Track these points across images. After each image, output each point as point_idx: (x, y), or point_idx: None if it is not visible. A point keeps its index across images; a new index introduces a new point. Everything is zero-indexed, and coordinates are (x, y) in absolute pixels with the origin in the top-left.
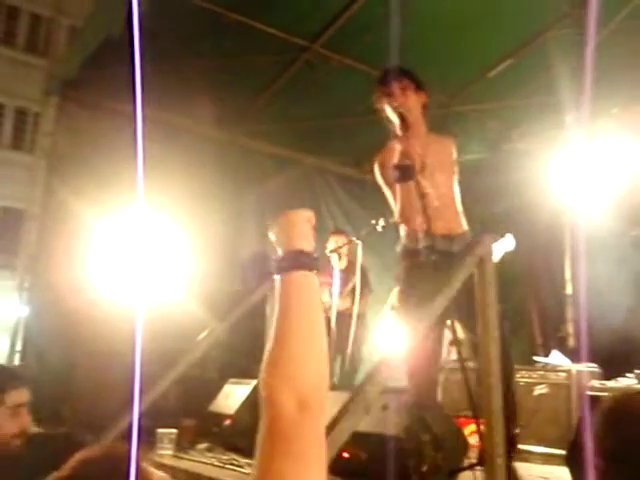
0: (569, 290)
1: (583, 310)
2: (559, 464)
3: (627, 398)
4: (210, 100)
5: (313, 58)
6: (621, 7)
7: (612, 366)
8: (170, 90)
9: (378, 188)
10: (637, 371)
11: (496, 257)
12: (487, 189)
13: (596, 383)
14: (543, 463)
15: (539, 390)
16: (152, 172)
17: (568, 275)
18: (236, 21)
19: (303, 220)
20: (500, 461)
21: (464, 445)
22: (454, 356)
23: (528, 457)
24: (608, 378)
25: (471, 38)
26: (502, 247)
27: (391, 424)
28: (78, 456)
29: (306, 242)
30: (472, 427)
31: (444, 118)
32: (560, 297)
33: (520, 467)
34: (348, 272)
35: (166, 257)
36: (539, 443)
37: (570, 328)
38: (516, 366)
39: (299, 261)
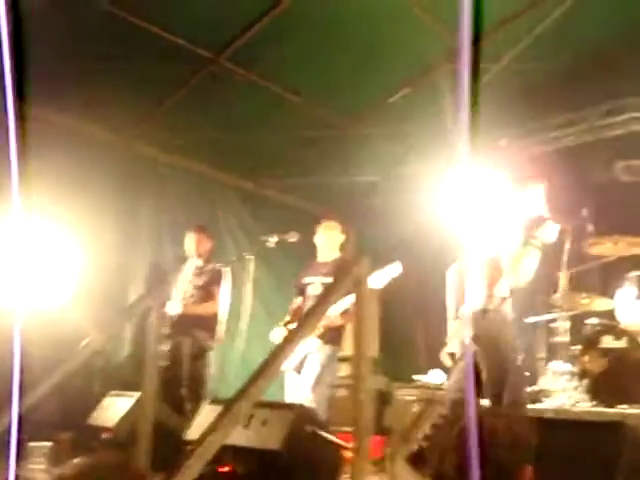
0: (451, 311)
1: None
2: None
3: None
4: (108, 104)
5: (217, 71)
6: (509, 47)
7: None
8: (68, 91)
9: (276, 204)
10: None
11: (382, 283)
12: (382, 211)
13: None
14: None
15: (417, 408)
16: (42, 176)
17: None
18: (141, 27)
19: None
20: (364, 473)
21: (338, 460)
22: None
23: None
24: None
25: (375, 65)
26: (388, 274)
27: (271, 439)
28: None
29: None
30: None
31: (342, 141)
32: (445, 317)
33: None
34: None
35: (52, 264)
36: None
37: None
38: (397, 384)
39: None
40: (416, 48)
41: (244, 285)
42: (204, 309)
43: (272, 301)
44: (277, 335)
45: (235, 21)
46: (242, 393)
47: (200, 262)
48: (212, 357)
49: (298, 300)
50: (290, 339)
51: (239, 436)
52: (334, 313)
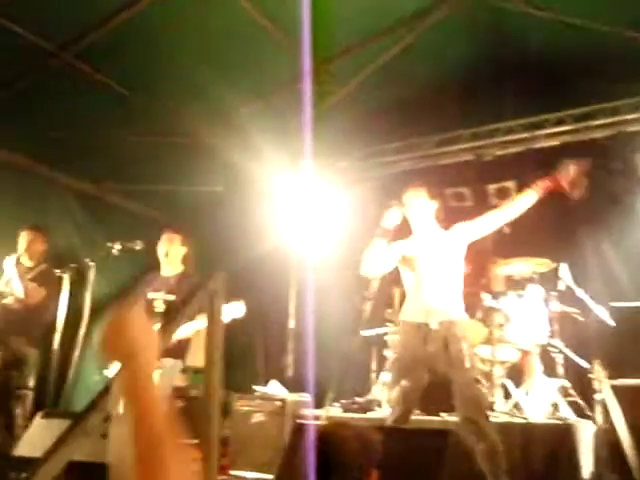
0: (292, 324)
1: (309, 343)
2: None
3: (331, 428)
4: None
5: (62, 66)
6: (358, 71)
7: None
8: None
9: (120, 210)
10: (343, 401)
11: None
12: (225, 221)
13: (307, 412)
14: None
15: (256, 418)
16: None
17: (292, 309)
18: None
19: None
20: None
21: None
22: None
23: None
24: (319, 407)
25: (227, 77)
26: (231, 312)
27: (109, 453)
28: None
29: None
30: (194, 454)
31: (189, 149)
32: (284, 330)
33: None
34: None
35: None
36: (251, 468)
37: (290, 359)
38: (237, 394)
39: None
40: (270, 65)
41: (82, 293)
42: (27, 311)
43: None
44: None
45: (86, 17)
46: (93, 405)
47: (30, 263)
48: (33, 366)
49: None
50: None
51: (86, 451)
52: (186, 332)
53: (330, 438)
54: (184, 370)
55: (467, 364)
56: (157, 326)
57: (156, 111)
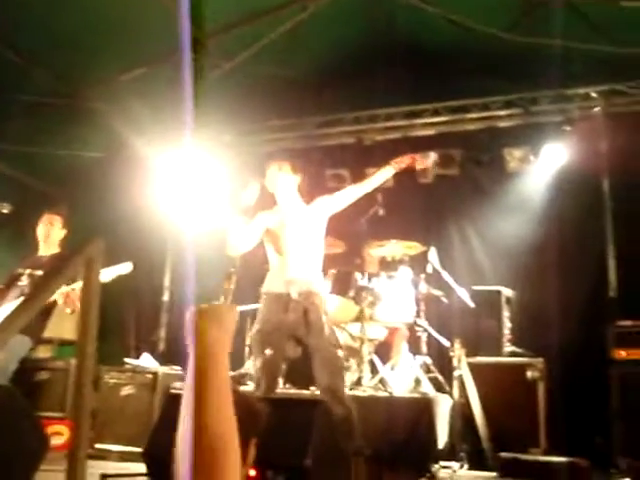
0: (165, 297)
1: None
2: (136, 460)
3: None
4: None
5: None
6: (243, 49)
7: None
8: None
9: None
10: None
11: (109, 277)
12: (104, 189)
13: (179, 384)
14: (120, 460)
15: (126, 390)
16: None
17: (167, 282)
18: None
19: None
20: (83, 461)
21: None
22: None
23: (107, 455)
24: None
25: (114, 40)
26: (116, 270)
27: None
28: None
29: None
30: (57, 427)
31: (68, 112)
32: (157, 304)
33: (97, 465)
34: None
35: None
36: (118, 442)
37: (163, 332)
38: (106, 367)
39: None
40: (159, 32)
41: None
42: None
43: None
44: None
45: None
46: None
47: None
48: None
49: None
50: (11, 321)
51: None
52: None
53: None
54: (48, 342)
55: (326, 331)
56: (18, 300)
57: (35, 71)
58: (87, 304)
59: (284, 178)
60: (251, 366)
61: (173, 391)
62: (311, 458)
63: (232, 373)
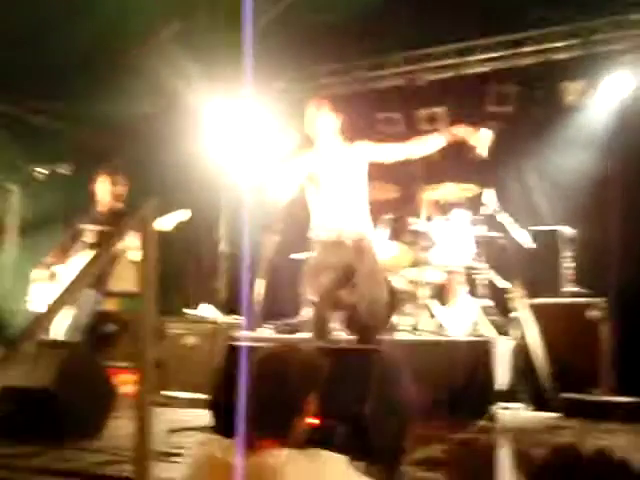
0: (223, 246)
1: (245, 267)
2: (201, 407)
3: (274, 350)
4: None
5: None
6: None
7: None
8: None
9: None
10: (274, 322)
11: (170, 225)
12: (162, 143)
13: (241, 334)
14: (187, 407)
15: (189, 340)
16: None
17: (222, 232)
18: None
19: None
20: (149, 410)
21: (113, 396)
22: None
23: (173, 402)
24: (252, 329)
25: None
26: (177, 217)
27: (40, 377)
28: None
29: None
30: (125, 377)
31: (116, 69)
32: (214, 253)
33: (166, 412)
34: None
35: None
36: (184, 389)
37: (222, 282)
38: (169, 318)
39: None
40: None
41: (4, 218)
42: None
43: (38, 238)
44: (37, 275)
45: None
46: (27, 333)
47: None
48: None
49: (65, 242)
50: (80, 279)
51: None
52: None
53: (274, 358)
54: (111, 294)
55: (377, 266)
56: (85, 256)
57: (81, 27)
58: (146, 260)
59: (323, 118)
60: (307, 313)
61: (233, 342)
62: (370, 406)
63: (291, 321)
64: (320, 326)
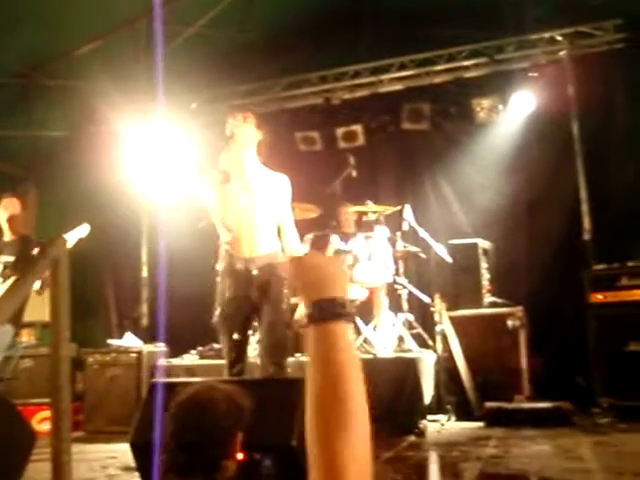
0: (144, 272)
1: (161, 292)
2: (127, 441)
3: (196, 391)
4: None
5: None
6: (202, 14)
7: (178, 344)
8: None
9: None
10: (199, 348)
11: (70, 243)
12: (72, 167)
13: (164, 361)
14: (111, 442)
15: (112, 371)
16: None
17: (144, 258)
18: None
19: (335, 264)
20: (67, 447)
21: (31, 435)
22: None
23: (96, 437)
24: (175, 355)
25: (64, 14)
26: (76, 234)
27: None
28: None
29: (340, 290)
30: (46, 413)
31: (24, 89)
32: (136, 279)
33: (88, 448)
34: None
35: None
36: (109, 423)
37: (144, 309)
38: (90, 350)
39: (336, 311)
40: (110, 3)
41: None
42: None
43: None
44: None
45: None
46: None
47: None
48: None
49: None
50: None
51: None
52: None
53: (199, 400)
54: (29, 326)
55: (283, 306)
56: None
57: None
58: (57, 301)
59: (248, 130)
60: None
61: (153, 380)
62: (297, 437)
63: (216, 346)
64: (242, 364)
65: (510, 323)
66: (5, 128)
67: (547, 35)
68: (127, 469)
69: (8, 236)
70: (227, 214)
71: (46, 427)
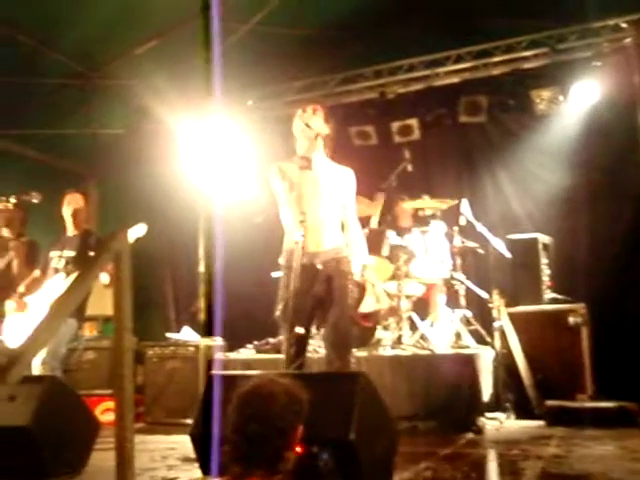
0: (202, 267)
1: (218, 287)
2: (185, 432)
3: (257, 384)
4: None
5: None
6: (256, 11)
7: (235, 338)
8: None
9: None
10: (255, 342)
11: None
12: (130, 164)
13: (221, 355)
14: (171, 434)
15: (170, 365)
16: None
17: (201, 253)
18: None
19: None
20: (130, 436)
21: (94, 426)
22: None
23: (156, 429)
24: (232, 349)
25: (121, 16)
26: (134, 233)
27: (18, 414)
28: None
29: None
30: (108, 404)
31: (83, 90)
32: (194, 274)
33: (149, 439)
34: None
35: None
36: (168, 415)
37: (201, 303)
38: (149, 343)
39: None
40: (165, 2)
41: None
42: None
43: None
44: (9, 307)
45: None
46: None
47: None
48: None
49: (36, 273)
50: (55, 313)
51: None
52: None
53: (261, 392)
54: (92, 319)
55: (348, 301)
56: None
57: (47, 51)
58: (120, 294)
59: (318, 123)
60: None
61: (211, 372)
62: (355, 431)
63: (272, 340)
64: (303, 357)
65: (572, 320)
66: (66, 127)
67: (611, 22)
68: (187, 460)
69: (71, 231)
70: (298, 205)
71: (109, 417)
